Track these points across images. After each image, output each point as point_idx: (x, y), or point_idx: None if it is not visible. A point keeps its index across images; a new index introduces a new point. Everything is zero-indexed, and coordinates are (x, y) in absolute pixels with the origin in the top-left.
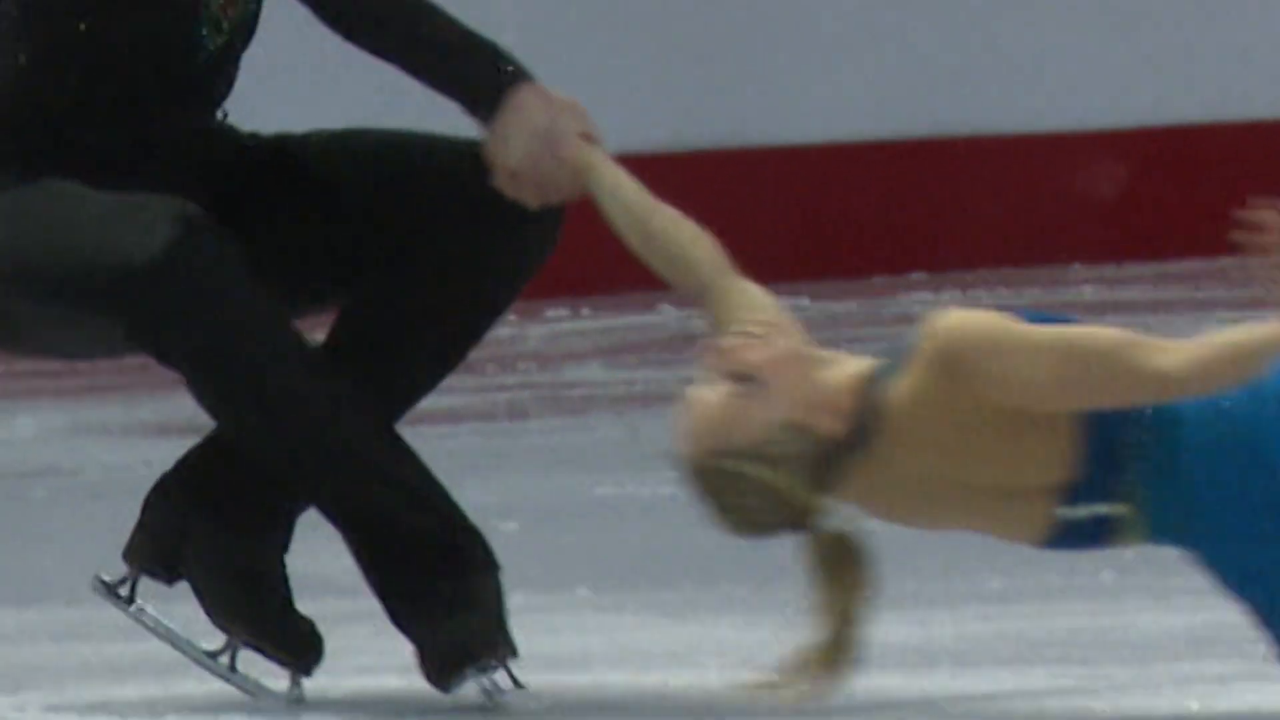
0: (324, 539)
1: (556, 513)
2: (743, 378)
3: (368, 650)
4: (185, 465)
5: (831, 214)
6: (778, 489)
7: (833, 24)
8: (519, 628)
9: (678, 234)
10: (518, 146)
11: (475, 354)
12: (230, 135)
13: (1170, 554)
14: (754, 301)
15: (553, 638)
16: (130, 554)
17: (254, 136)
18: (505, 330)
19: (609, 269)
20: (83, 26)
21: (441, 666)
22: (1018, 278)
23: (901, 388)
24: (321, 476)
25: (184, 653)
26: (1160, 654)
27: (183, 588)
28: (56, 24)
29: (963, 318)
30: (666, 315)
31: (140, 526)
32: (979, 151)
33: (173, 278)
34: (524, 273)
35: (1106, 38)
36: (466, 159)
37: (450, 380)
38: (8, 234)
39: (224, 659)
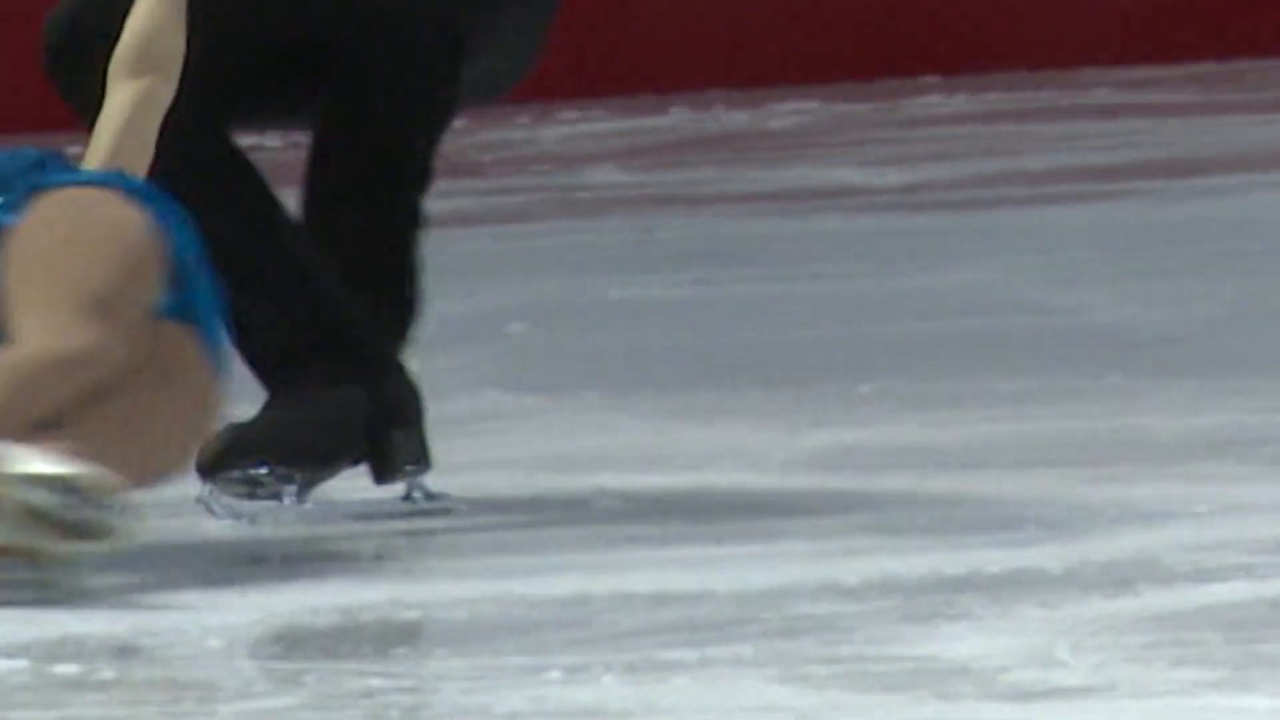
0: None
1: (568, 315)
2: None
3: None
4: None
5: (840, 15)
6: None
7: None
8: (528, 429)
9: None
10: None
11: (485, 156)
12: None
13: (1182, 357)
14: None
15: (562, 440)
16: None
17: None
18: (517, 132)
19: (621, 71)
20: None
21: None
22: (1030, 81)
23: None
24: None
25: None
26: (1172, 455)
27: None
28: None
29: None
30: (679, 117)
31: None
32: None
33: None
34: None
35: None
36: None
37: (461, 183)
38: None
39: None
